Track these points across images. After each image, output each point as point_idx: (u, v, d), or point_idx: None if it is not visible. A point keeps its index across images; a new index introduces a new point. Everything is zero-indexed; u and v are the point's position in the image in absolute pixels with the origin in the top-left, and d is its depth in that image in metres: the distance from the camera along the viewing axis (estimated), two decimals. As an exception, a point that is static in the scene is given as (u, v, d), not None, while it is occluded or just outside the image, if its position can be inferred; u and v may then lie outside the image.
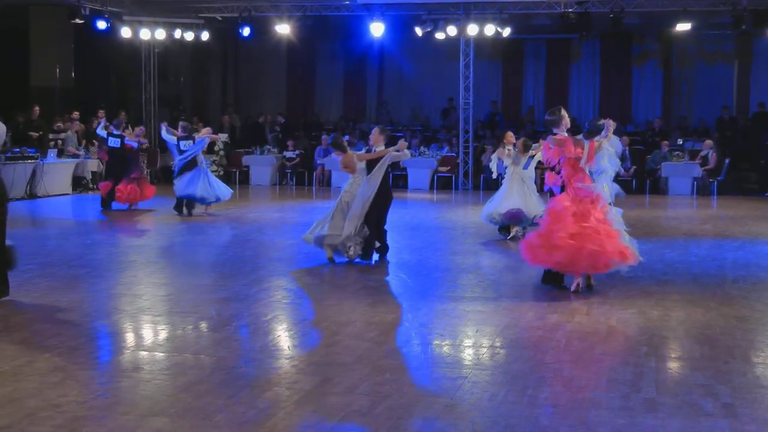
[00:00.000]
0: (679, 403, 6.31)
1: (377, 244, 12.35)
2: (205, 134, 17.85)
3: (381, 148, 12.43)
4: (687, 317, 9.08)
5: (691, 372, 7.16)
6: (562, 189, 10.18)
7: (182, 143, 17.28)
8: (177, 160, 17.39)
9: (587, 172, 10.15)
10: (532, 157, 14.32)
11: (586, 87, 29.19)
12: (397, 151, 12.42)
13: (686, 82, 28.45)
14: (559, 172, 10.23)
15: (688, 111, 28.00)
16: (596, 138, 10.09)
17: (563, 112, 10.48)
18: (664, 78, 28.57)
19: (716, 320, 8.88)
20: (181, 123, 18.39)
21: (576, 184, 10.03)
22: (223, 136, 25.84)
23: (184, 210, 17.44)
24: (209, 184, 17.33)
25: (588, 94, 29.23)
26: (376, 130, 12.63)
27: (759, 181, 24.03)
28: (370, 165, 12.27)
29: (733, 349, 7.77)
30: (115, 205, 18.41)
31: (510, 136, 14.93)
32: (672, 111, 28.20)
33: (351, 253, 11.99)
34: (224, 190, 17.66)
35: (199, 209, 17.44)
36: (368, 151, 12.60)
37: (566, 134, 10.29)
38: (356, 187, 12.26)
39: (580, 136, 10.24)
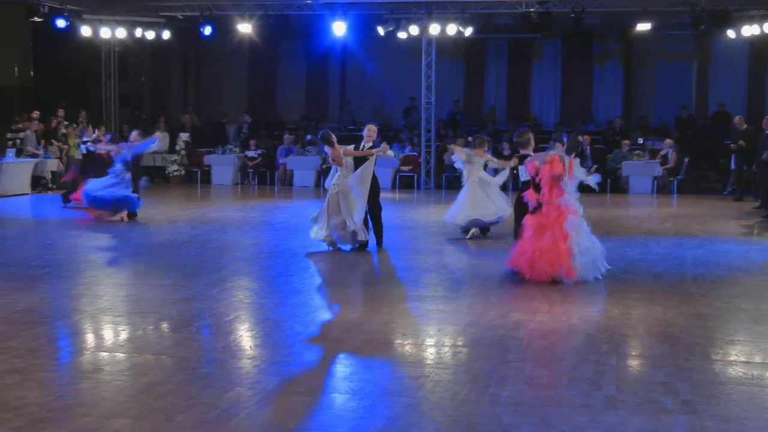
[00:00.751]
0: (639, 400, 6.36)
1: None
2: (136, 141, 17.36)
3: (369, 145, 13.24)
4: (647, 315, 9.17)
5: (651, 369, 7.23)
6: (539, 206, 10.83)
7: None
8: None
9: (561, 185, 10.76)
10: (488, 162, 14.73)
11: (547, 86, 29.36)
12: (382, 152, 13.19)
13: (646, 81, 28.70)
14: (538, 190, 10.83)
15: (649, 110, 28.24)
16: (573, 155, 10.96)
17: (530, 135, 11.93)
18: (625, 78, 28.79)
19: (676, 318, 8.97)
20: (107, 134, 19.19)
21: (556, 199, 10.67)
22: (184, 136, 25.71)
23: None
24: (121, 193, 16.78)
25: (549, 94, 29.40)
26: (371, 128, 13.54)
27: (719, 180, 24.30)
28: (357, 161, 13.03)
29: (692, 347, 7.85)
30: (74, 204, 18.27)
31: (484, 144, 15.03)
32: (632, 110, 28.42)
33: (361, 238, 12.87)
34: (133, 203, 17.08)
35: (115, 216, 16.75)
36: (356, 148, 13.28)
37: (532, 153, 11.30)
38: (343, 179, 12.86)
39: (553, 152, 11.02)
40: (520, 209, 11.68)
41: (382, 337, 8.18)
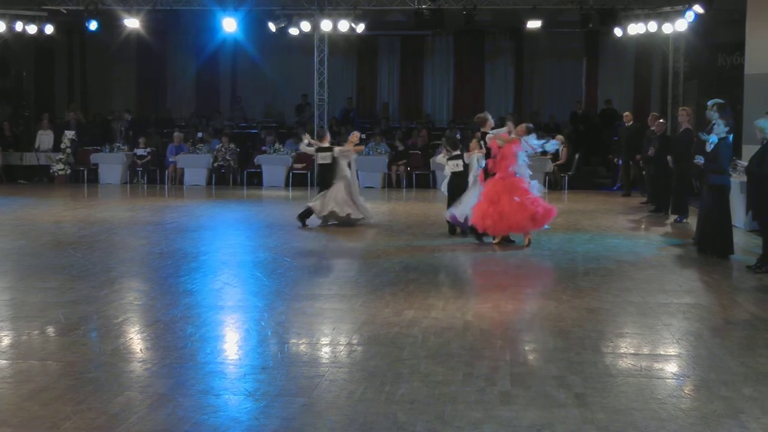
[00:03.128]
0: (533, 394, 6.47)
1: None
2: None
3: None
4: (540, 310, 9.33)
5: (544, 364, 7.36)
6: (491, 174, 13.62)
7: None
8: None
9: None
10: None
11: (440, 83, 29.65)
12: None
13: (537, 78, 29.23)
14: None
15: (539, 107, 28.75)
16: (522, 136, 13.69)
17: (488, 115, 14.70)
18: (516, 75, 29.28)
19: (568, 312, 9.16)
20: None
21: (510, 168, 13.49)
22: (69, 134, 25.10)
23: None
24: None
25: (442, 91, 29.70)
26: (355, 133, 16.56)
27: (608, 176, 24.91)
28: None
29: (584, 340, 8.02)
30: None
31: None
32: (524, 107, 28.89)
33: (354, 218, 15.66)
34: None
35: None
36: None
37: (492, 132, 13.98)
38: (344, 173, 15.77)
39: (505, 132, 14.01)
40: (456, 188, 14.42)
41: (276, 336, 8.13)
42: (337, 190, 15.66)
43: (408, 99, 29.69)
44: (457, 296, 9.88)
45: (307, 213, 15.88)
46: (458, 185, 14.43)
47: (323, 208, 15.68)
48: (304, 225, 15.73)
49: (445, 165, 14.87)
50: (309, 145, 16.47)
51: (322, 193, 15.88)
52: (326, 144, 16.16)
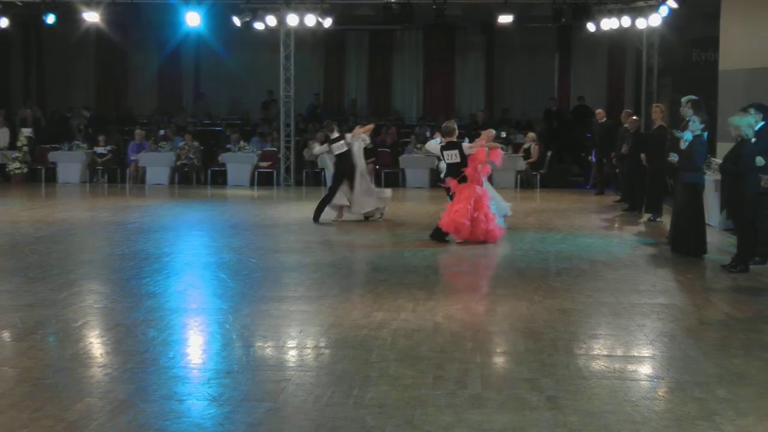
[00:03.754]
0: (504, 397, 6.50)
1: None
2: None
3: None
4: (512, 311, 9.37)
5: (516, 366, 7.40)
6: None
7: None
8: None
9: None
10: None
11: (409, 79, 29.66)
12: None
13: (508, 74, 29.29)
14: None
15: (511, 103, 28.83)
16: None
17: (455, 125, 14.76)
18: (487, 70, 29.31)
19: (540, 313, 9.20)
20: None
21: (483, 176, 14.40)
22: (26, 131, 24.89)
23: None
24: None
25: (411, 87, 29.71)
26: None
27: (581, 174, 25.04)
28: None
29: (556, 342, 8.07)
30: None
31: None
32: (495, 103, 28.97)
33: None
34: None
35: None
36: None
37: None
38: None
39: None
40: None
41: (241, 340, 8.11)
42: (362, 184, 16.40)
43: (377, 95, 29.69)
44: (427, 297, 9.91)
45: (321, 208, 16.42)
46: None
47: (360, 206, 16.38)
48: (317, 221, 16.29)
49: (439, 154, 14.79)
50: (321, 143, 17.17)
51: (343, 186, 16.31)
52: (336, 134, 16.60)
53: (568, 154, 26.20)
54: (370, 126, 17.51)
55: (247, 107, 29.37)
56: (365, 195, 16.43)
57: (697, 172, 12.66)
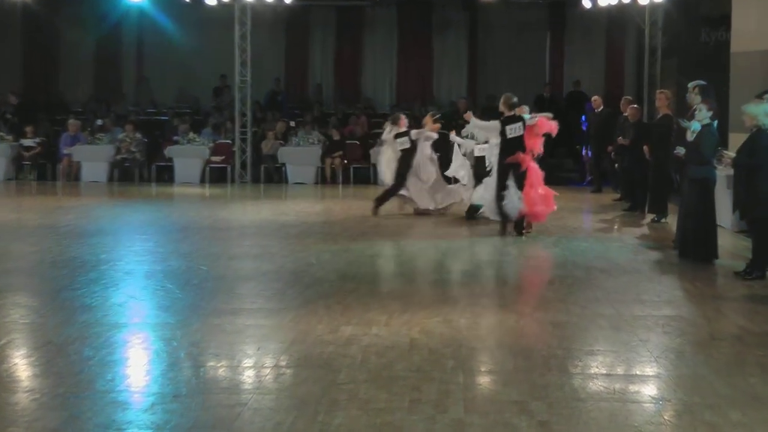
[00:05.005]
0: (490, 423, 6.50)
1: None
2: None
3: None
4: (498, 325, 9.38)
5: (503, 387, 7.40)
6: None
7: None
8: None
9: None
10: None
11: (381, 62, 29.65)
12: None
13: (494, 56, 29.27)
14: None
15: (497, 89, 28.81)
16: None
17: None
18: (470, 53, 29.33)
19: (530, 327, 9.22)
20: None
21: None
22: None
23: None
24: None
25: (384, 70, 29.68)
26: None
27: (576, 169, 25.10)
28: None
29: (549, 360, 8.07)
30: None
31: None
32: (479, 89, 28.97)
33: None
34: None
35: None
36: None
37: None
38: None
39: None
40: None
41: (190, 359, 8.07)
42: (432, 178, 17.86)
43: (345, 80, 29.66)
44: (402, 309, 9.89)
45: (383, 199, 17.96)
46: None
47: (437, 202, 17.93)
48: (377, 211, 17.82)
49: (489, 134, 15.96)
50: (389, 132, 18.20)
51: (411, 179, 17.72)
52: (403, 128, 17.76)
53: (561, 147, 26.24)
54: (437, 125, 18.34)
55: (197, 94, 29.27)
56: (430, 191, 17.82)
57: (707, 166, 12.71)
